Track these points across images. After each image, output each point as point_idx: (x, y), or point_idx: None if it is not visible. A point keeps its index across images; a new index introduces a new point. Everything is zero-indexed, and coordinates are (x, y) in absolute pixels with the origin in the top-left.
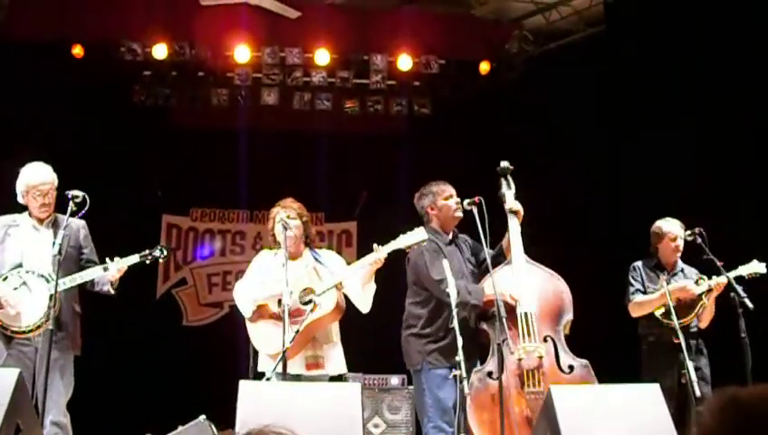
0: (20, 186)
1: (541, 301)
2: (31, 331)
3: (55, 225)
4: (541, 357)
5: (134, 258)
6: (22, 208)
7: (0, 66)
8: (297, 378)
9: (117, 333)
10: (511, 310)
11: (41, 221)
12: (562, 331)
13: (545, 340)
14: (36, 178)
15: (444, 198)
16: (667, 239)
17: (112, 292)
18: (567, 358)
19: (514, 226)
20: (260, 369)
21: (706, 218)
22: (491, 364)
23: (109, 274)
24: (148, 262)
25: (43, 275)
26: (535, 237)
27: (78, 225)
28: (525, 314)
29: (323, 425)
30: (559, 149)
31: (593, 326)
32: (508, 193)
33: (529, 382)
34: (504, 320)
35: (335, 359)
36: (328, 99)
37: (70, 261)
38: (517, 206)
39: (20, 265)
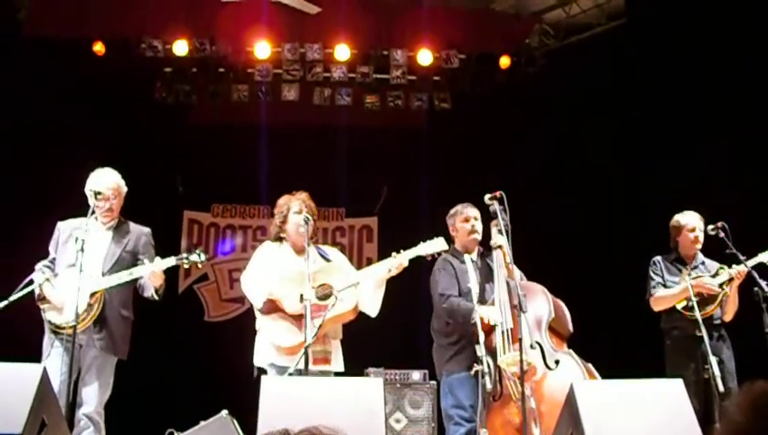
0: (86, 189)
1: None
2: (68, 327)
3: (118, 229)
4: (530, 364)
5: (170, 261)
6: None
7: (21, 64)
8: (304, 372)
9: (138, 329)
10: (491, 330)
11: (104, 225)
12: (546, 330)
13: (532, 347)
14: (98, 184)
15: (461, 221)
16: (685, 231)
17: (156, 298)
18: (552, 355)
19: (497, 257)
20: (256, 362)
21: (729, 211)
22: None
23: (145, 274)
24: (186, 265)
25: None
26: (555, 232)
27: (141, 231)
28: (504, 331)
29: (345, 420)
30: (579, 143)
31: (615, 322)
32: (493, 230)
33: (515, 391)
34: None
35: (340, 356)
36: (348, 94)
37: (123, 265)
38: (499, 242)
39: (73, 266)
